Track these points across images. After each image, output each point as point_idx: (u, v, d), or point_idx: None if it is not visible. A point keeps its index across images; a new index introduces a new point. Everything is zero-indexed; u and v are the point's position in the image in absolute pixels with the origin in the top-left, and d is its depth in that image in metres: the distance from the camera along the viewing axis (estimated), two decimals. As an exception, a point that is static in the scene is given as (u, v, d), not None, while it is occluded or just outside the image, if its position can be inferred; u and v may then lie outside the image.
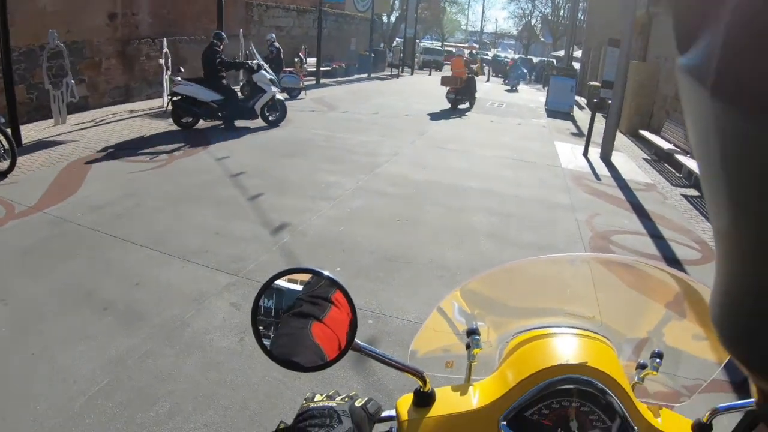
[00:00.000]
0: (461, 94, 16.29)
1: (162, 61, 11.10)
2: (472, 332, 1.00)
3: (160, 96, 11.68)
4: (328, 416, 0.85)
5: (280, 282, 0.94)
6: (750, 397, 0.96)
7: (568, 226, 6.58)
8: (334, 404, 0.89)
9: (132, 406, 2.91)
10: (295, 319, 0.93)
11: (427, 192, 7.40)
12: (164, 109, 10.92)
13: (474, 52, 44.06)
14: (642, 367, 1.00)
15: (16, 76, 8.06)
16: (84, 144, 8.05)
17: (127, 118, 10.12)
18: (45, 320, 3.60)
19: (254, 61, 10.58)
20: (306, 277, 0.96)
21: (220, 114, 9.92)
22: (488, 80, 32.80)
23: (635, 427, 0.87)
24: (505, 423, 0.87)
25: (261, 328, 0.93)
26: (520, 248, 5.73)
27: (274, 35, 14.06)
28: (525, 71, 32.67)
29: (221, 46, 9.82)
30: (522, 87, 29.26)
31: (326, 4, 20.93)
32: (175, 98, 9.53)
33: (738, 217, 0.32)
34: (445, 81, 16.48)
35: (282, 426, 0.84)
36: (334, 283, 0.94)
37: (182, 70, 10.28)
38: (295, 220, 5.85)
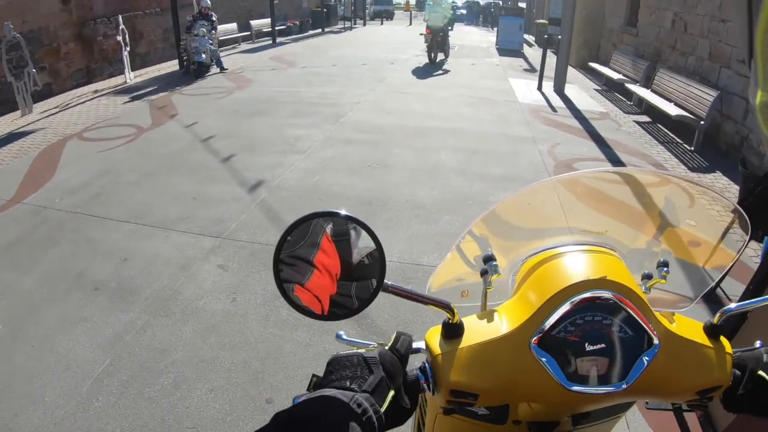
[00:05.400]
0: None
1: (120, 38, 10.51)
2: (488, 259, 0.97)
3: (122, 73, 11.07)
4: (358, 365, 0.78)
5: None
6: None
7: (532, 157, 6.47)
8: (364, 351, 0.82)
9: (137, 382, 2.75)
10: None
11: (393, 136, 7.17)
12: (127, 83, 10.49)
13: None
14: (648, 277, 0.98)
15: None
16: (53, 130, 7.56)
17: (92, 99, 9.51)
18: (39, 311, 3.36)
19: None
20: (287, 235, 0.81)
21: None
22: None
23: (655, 333, 0.85)
24: (536, 344, 0.84)
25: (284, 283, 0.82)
26: (489, 181, 5.60)
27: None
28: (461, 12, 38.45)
29: None
30: (471, 29, 29.95)
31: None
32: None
33: None
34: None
35: (315, 380, 0.78)
36: (356, 223, 0.84)
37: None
38: (270, 176, 5.61)
